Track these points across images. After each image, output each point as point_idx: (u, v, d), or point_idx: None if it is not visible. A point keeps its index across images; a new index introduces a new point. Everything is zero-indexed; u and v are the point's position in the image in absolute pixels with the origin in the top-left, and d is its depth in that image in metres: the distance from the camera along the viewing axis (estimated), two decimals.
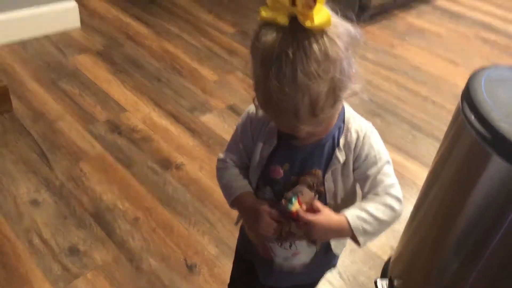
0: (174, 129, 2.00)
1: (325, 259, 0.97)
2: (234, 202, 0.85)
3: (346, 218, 0.78)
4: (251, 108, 0.84)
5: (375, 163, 0.80)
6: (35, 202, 1.60)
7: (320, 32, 0.63)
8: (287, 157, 0.82)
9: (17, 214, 1.55)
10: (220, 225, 1.61)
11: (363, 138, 0.79)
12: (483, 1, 3.72)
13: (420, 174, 1.85)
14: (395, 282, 1.43)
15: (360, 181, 0.83)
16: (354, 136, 0.79)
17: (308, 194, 0.82)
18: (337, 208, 0.83)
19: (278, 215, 0.80)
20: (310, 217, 0.76)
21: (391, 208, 0.80)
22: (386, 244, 1.62)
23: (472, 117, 1.03)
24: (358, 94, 0.71)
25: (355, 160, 0.80)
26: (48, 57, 2.35)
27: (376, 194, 0.80)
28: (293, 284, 0.99)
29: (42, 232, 1.50)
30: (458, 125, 1.12)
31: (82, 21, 2.64)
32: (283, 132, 0.79)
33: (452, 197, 1.20)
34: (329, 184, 0.82)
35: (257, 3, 3.17)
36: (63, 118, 1.98)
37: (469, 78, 1.12)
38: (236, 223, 0.97)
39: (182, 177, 1.78)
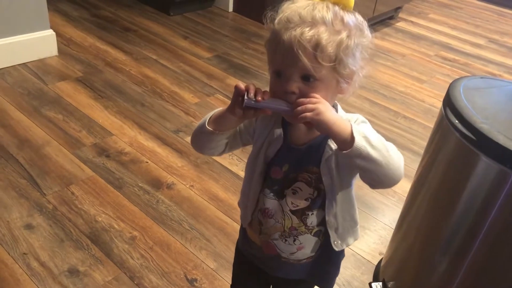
0: (162, 151, 2.04)
1: (330, 254, 0.97)
2: (211, 121, 0.87)
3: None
4: None
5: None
6: (29, 226, 1.60)
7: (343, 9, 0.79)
8: (286, 158, 0.88)
9: (12, 239, 1.54)
10: (216, 240, 1.65)
11: (355, 122, 0.83)
12: (438, 23, 3.98)
13: (399, 183, 1.95)
14: (389, 284, 1.51)
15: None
16: None
17: (306, 190, 0.88)
18: (337, 215, 0.89)
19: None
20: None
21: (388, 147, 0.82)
22: (374, 250, 1.70)
23: (456, 121, 1.13)
24: (355, 75, 0.81)
25: None
26: (28, 85, 2.35)
27: None
28: (301, 277, 1.03)
29: (39, 255, 1.50)
30: (442, 130, 1.22)
31: (59, 50, 2.66)
32: (285, 123, 0.86)
33: (440, 198, 1.29)
34: (325, 177, 0.86)
35: (230, 30, 3.28)
36: (49, 143, 1.98)
37: (449, 87, 1.24)
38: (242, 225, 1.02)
39: (174, 196, 1.81)
